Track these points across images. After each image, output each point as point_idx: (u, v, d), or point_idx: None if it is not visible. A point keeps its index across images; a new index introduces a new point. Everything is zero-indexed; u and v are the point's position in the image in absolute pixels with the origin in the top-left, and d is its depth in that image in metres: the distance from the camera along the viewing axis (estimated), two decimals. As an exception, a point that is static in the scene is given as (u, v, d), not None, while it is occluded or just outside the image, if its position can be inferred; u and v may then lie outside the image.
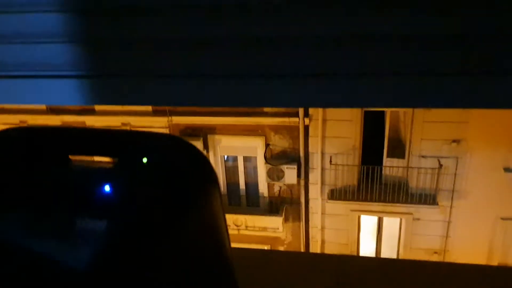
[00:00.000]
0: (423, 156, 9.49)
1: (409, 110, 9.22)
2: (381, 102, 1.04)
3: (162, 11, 0.99)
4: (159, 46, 0.99)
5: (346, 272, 1.30)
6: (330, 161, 9.86)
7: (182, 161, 0.55)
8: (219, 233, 0.55)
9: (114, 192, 0.47)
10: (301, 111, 9.60)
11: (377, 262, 1.67)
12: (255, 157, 10.47)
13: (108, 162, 0.56)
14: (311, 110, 9.60)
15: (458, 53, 0.96)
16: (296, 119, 9.71)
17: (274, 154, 10.19)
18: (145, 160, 0.52)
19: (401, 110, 9.64)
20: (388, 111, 9.67)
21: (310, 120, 9.69)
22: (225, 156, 10.80)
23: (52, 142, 0.55)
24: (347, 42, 0.98)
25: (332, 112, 9.51)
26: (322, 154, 9.93)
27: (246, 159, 10.69)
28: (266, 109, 9.76)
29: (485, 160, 9.25)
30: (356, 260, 1.51)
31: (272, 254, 1.73)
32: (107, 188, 0.47)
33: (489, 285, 1.21)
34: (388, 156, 9.95)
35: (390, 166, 9.94)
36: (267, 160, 10.12)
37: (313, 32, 0.95)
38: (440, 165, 9.40)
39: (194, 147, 0.60)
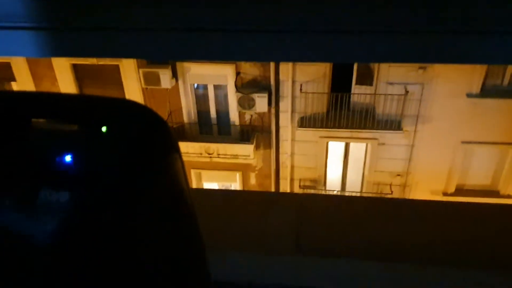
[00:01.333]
0: (390, 83, 9.63)
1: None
2: (370, 57, 1.04)
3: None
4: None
5: (308, 210, 1.38)
6: (301, 89, 9.88)
7: (142, 130, 0.56)
8: (182, 201, 0.58)
9: (73, 164, 0.47)
10: (271, 37, 9.38)
11: (338, 199, 1.77)
12: (226, 85, 10.36)
13: (70, 127, 0.55)
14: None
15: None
16: (266, 46, 9.53)
17: (245, 82, 10.10)
18: (104, 129, 0.52)
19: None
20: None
21: (280, 47, 9.53)
22: (195, 85, 10.62)
23: (5, 108, 0.54)
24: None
25: (303, 39, 9.34)
26: (293, 82, 9.92)
27: (216, 87, 10.57)
28: (235, 36, 9.48)
29: (449, 86, 9.50)
30: (318, 198, 1.59)
31: (236, 194, 1.79)
32: (67, 158, 0.48)
33: (445, 219, 1.32)
34: (356, 83, 10.05)
35: (359, 93, 10.07)
36: (237, 88, 10.04)
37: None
38: (406, 92, 9.60)
39: (154, 114, 0.60)
